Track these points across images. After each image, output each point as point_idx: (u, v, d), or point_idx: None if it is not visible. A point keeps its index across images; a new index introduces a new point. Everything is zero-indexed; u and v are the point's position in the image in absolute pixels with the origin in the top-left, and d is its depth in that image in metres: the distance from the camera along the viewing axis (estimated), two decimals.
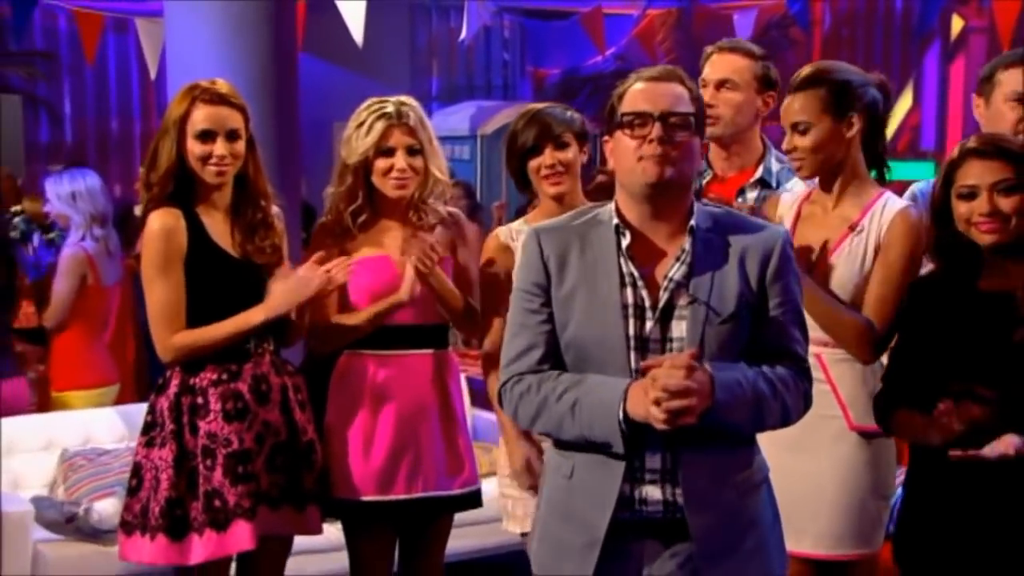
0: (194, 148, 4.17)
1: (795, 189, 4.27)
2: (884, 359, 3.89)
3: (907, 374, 3.56)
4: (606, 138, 3.34)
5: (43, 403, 6.74)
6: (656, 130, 3.15)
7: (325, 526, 4.49)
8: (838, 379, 3.84)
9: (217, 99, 4.26)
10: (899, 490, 4.02)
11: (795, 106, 3.91)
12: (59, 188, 6.86)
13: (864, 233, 3.86)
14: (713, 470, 3.21)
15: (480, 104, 12.56)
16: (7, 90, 11.97)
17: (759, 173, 4.47)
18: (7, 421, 6.04)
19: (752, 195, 4.41)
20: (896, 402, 3.54)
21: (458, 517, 4.56)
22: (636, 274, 3.19)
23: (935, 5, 11.43)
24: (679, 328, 3.18)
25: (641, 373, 3.09)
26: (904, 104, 11.20)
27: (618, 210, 3.27)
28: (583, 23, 13.04)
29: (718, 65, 4.45)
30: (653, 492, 3.17)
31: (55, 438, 6.01)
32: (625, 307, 3.18)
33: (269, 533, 4.28)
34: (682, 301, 3.20)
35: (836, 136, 3.87)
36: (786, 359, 3.25)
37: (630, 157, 3.18)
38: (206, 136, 4.18)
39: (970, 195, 3.37)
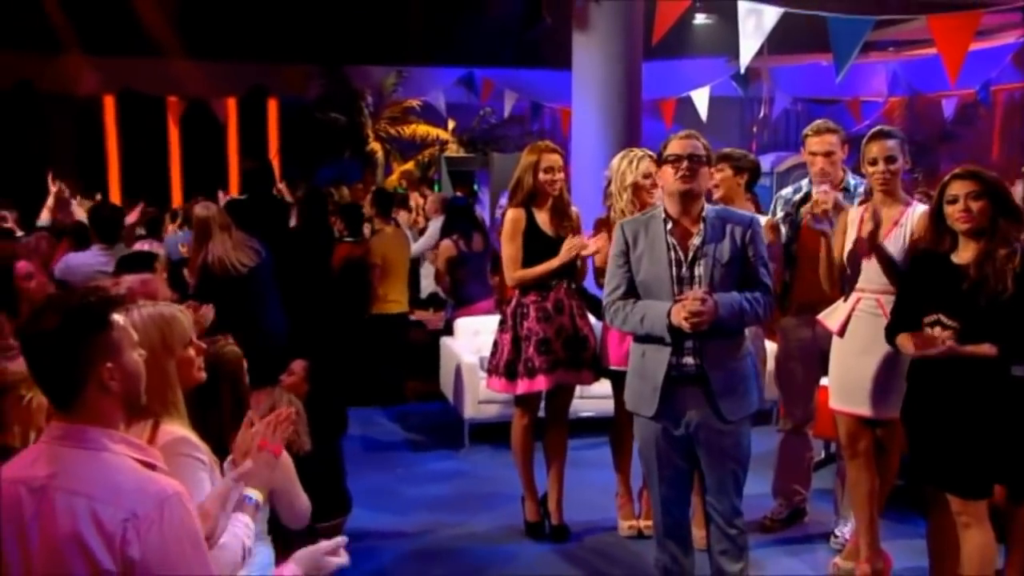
0: (542, 177, 4.43)
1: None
2: None
3: (905, 310, 3.48)
4: (657, 168, 3.53)
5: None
6: (684, 165, 3.34)
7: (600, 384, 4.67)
8: (889, 314, 3.70)
9: (551, 150, 4.49)
10: None
11: (887, 146, 3.82)
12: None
13: (902, 227, 3.80)
14: (720, 348, 3.35)
15: (779, 154, 12.19)
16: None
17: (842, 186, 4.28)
18: (483, 318, 6.52)
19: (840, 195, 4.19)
20: (897, 329, 3.46)
21: None
22: (676, 244, 3.36)
23: None
24: (699, 271, 3.33)
25: (677, 299, 3.27)
26: None
27: (665, 209, 3.42)
28: (848, 106, 12.59)
29: (823, 143, 4.29)
30: (689, 360, 3.33)
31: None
32: (670, 262, 3.35)
33: (564, 382, 4.52)
34: (699, 257, 3.34)
35: (903, 167, 3.86)
36: (759, 286, 3.36)
37: (671, 177, 3.36)
38: (548, 171, 4.43)
39: (953, 201, 3.31)
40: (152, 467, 1.90)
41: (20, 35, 11.93)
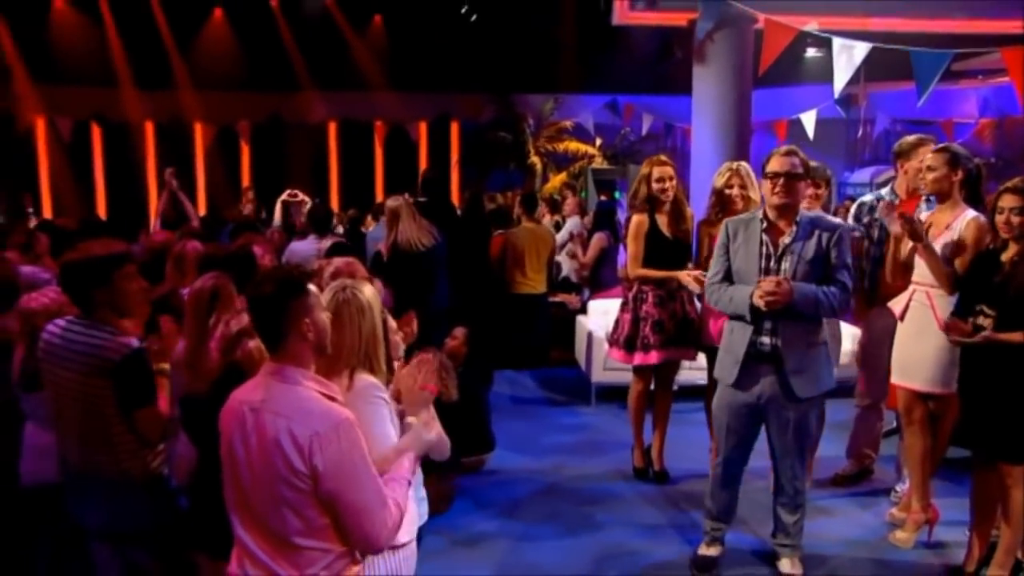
0: (655, 186, 4.40)
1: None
2: None
3: (963, 301, 3.41)
4: (762, 180, 3.35)
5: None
6: (780, 183, 3.22)
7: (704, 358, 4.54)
8: (937, 306, 3.68)
9: (663, 163, 4.46)
10: None
11: (930, 157, 3.75)
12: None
13: (952, 231, 3.69)
14: (795, 332, 3.24)
15: (879, 167, 11.54)
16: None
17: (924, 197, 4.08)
18: (612, 300, 6.08)
19: (923, 205, 4.09)
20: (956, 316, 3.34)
21: None
22: (767, 241, 3.26)
23: None
24: (785, 265, 3.24)
25: (759, 284, 3.20)
26: None
27: (764, 212, 3.32)
28: (941, 127, 11.66)
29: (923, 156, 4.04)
30: (766, 339, 3.26)
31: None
32: (760, 256, 3.27)
33: (671, 358, 4.52)
34: (787, 253, 3.24)
35: (947, 177, 3.69)
36: (837, 283, 3.22)
37: (768, 192, 3.27)
38: (659, 180, 4.40)
39: (1000, 212, 3.25)
40: (332, 399, 2.07)
41: (272, 78, 13.00)
